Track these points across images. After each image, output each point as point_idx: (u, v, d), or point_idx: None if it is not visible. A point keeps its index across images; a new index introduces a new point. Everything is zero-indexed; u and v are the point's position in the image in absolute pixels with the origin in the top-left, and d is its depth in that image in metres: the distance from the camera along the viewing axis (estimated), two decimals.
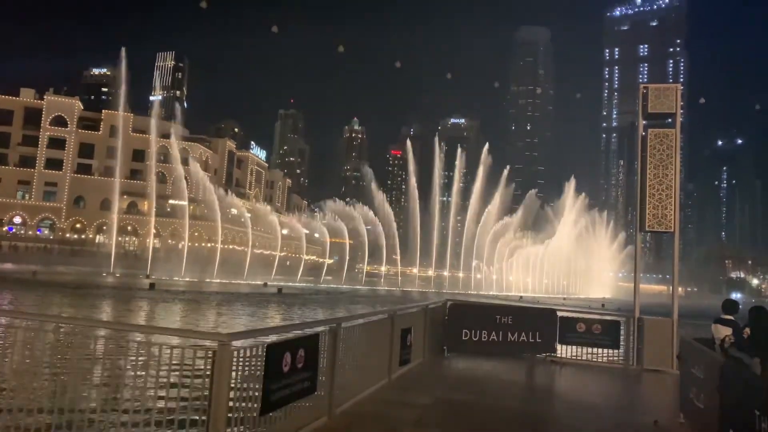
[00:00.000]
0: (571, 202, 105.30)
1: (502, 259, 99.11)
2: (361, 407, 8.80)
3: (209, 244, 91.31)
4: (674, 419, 9.40)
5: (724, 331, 8.44)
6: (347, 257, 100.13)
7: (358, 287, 78.59)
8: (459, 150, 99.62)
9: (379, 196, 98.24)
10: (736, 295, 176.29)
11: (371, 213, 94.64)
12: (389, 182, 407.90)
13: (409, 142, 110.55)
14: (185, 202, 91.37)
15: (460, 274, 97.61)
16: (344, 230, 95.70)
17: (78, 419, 6.00)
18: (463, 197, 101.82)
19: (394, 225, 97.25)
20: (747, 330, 7.98)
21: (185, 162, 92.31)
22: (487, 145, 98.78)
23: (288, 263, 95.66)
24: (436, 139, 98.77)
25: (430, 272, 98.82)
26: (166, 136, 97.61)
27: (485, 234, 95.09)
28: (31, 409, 6.06)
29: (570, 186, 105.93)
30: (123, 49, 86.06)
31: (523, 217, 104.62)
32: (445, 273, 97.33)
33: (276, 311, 36.66)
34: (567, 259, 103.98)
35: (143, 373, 5.86)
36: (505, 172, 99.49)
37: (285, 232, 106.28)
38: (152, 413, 5.98)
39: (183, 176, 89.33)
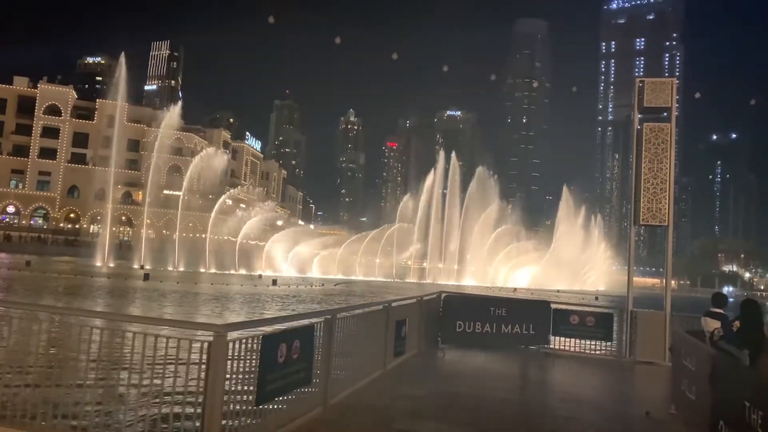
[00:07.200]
0: (565, 208, 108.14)
1: (495, 253, 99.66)
2: (355, 398, 8.85)
3: (203, 235, 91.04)
4: (666, 410, 9.49)
5: (713, 324, 8.52)
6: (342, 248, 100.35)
7: (353, 278, 78.75)
8: (453, 156, 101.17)
9: (409, 204, 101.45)
10: (728, 289, 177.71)
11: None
12: (385, 174, 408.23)
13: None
14: (180, 193, 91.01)
15: (455, 267, 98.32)
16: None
17: (72, 409, 6.01)
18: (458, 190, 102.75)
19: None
20: (736, 323, 8.04)
21: (180, 152, 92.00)
22: (479, 169, 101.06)
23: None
24: (437, 137, 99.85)
25: (425, 264, 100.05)
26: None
27: (479, 229, 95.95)
28: (26, 400, 6.06)
29: (565, 193, 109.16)
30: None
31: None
32: (440, 265, 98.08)
33: (270, 303, 36.65)
34: (560, 252, 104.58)
35: (138, 363, 5.85)
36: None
37: (280, 222, 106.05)
38: (147, 403, 6.00)
39: (178, 167, 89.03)
